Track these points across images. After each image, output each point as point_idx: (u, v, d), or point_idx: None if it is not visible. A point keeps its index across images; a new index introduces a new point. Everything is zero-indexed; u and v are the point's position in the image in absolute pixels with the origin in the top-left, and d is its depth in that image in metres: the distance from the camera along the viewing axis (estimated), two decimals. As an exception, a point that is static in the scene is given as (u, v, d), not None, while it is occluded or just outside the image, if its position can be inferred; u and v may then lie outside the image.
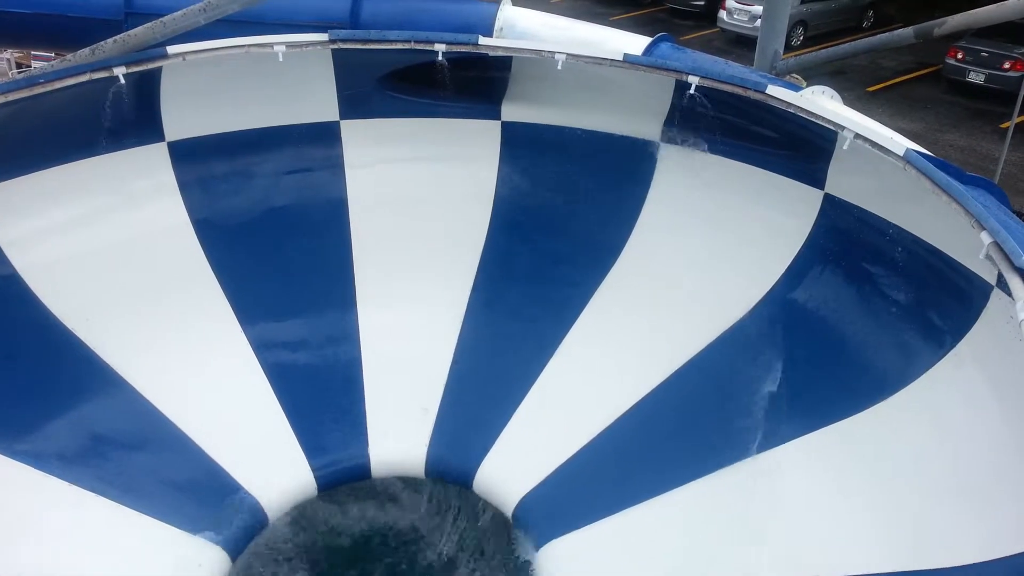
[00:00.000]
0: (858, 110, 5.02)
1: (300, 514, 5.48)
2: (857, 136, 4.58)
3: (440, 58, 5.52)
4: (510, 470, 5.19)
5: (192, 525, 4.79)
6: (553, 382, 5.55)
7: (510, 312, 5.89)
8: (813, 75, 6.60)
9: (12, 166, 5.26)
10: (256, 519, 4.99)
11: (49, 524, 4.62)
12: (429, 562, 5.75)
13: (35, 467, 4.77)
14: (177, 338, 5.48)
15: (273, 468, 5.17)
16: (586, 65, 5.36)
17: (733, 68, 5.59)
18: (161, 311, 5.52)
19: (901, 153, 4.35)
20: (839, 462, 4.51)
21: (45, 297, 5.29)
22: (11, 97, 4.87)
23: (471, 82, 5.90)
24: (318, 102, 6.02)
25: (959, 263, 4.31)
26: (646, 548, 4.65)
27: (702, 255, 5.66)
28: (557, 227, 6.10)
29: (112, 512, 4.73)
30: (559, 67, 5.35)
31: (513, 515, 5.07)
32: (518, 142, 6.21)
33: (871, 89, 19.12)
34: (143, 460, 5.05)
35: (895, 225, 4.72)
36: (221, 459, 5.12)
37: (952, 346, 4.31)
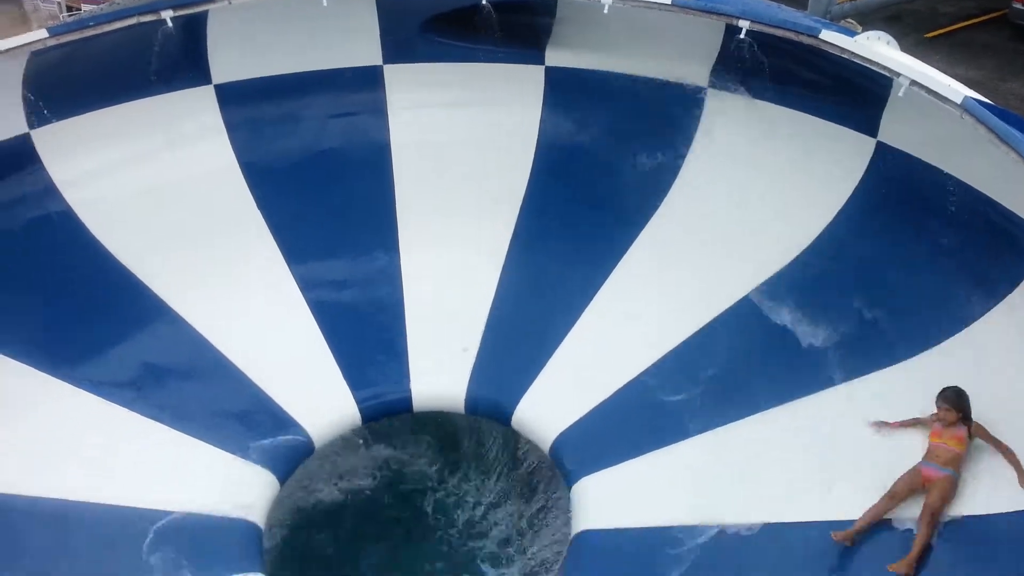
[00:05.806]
0: (915, 57, 4.86)
1: (344, 443, 5.68)
2: (913, 83, 4.46)
3: (484, 2, 5.47)
4: (548, 409, 5.27)
5: (242, 450, 4.96)
6: (593, 324, 5.58)
7: (551, 255, 5.91)
8: (868, 21, 6.41)
9: (64, 107, 5.39)
10: (303, 446, 5.16)
11: (101, 445, 4.80)
12: (466, 493, 5.95)
13: (92, 392, 4.99)
14: (226, 275, 5.63)
15: (319, 399, 5.32)
16: (633, 9, 5.25)
17: (786, 12, 5.44)
18: (210, 249, 5.67)
19: (959, 101, 4.24)
20: (879, 408, 4.48)
21: (99, 233, 5.47)
22: (62, 40, 4.97)
23: (515, 27, 5.84)
24: (362, 47, 6.01)
25: (1015, 214, 4.22)
26: (676, 486, 4.70)
27: (749, 201, 5.59)
28: (600, 172, 6.06)
29: (164, 435, 4.93)
30: (605, 11, 5.25)
31: (550, 451, 5.16)
32: (562, 87, 6.14)
33: (929, 35, 18.34)
34: (194, 388, 5.24)
35: (949, 175, 4.61)
36: (269, 389, 5.28)
37: (1005, 296, 4.27)
